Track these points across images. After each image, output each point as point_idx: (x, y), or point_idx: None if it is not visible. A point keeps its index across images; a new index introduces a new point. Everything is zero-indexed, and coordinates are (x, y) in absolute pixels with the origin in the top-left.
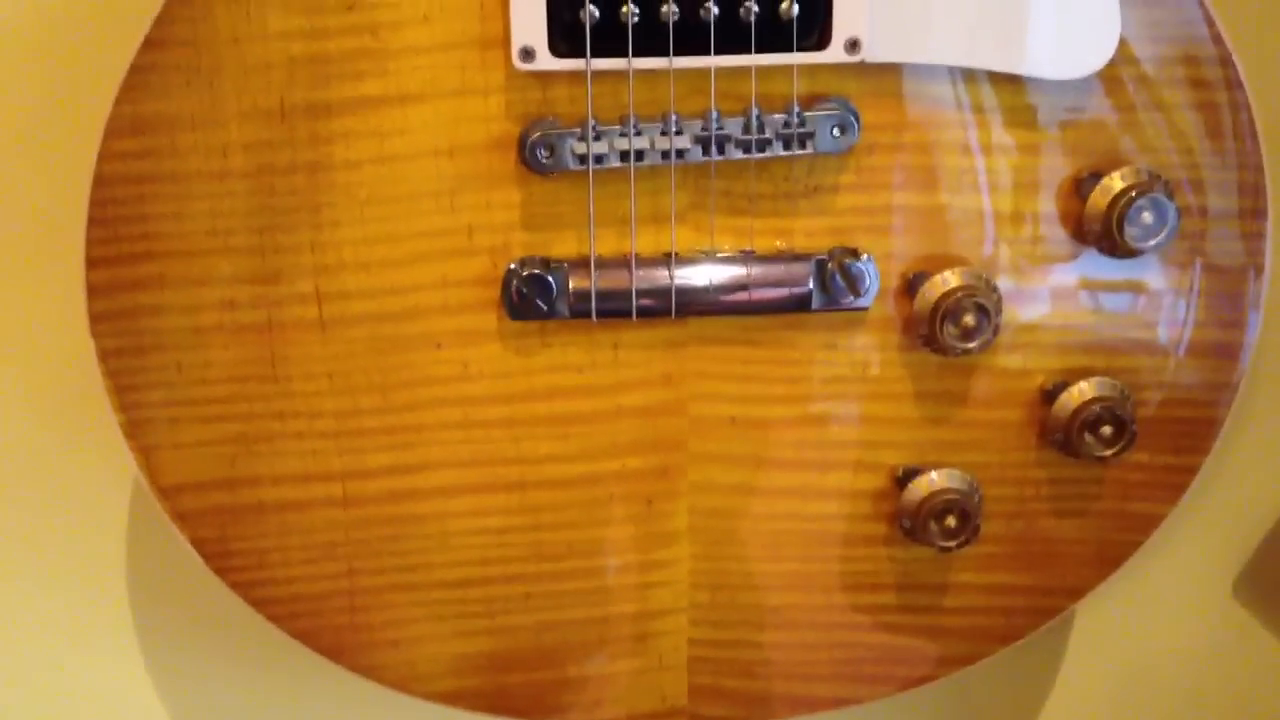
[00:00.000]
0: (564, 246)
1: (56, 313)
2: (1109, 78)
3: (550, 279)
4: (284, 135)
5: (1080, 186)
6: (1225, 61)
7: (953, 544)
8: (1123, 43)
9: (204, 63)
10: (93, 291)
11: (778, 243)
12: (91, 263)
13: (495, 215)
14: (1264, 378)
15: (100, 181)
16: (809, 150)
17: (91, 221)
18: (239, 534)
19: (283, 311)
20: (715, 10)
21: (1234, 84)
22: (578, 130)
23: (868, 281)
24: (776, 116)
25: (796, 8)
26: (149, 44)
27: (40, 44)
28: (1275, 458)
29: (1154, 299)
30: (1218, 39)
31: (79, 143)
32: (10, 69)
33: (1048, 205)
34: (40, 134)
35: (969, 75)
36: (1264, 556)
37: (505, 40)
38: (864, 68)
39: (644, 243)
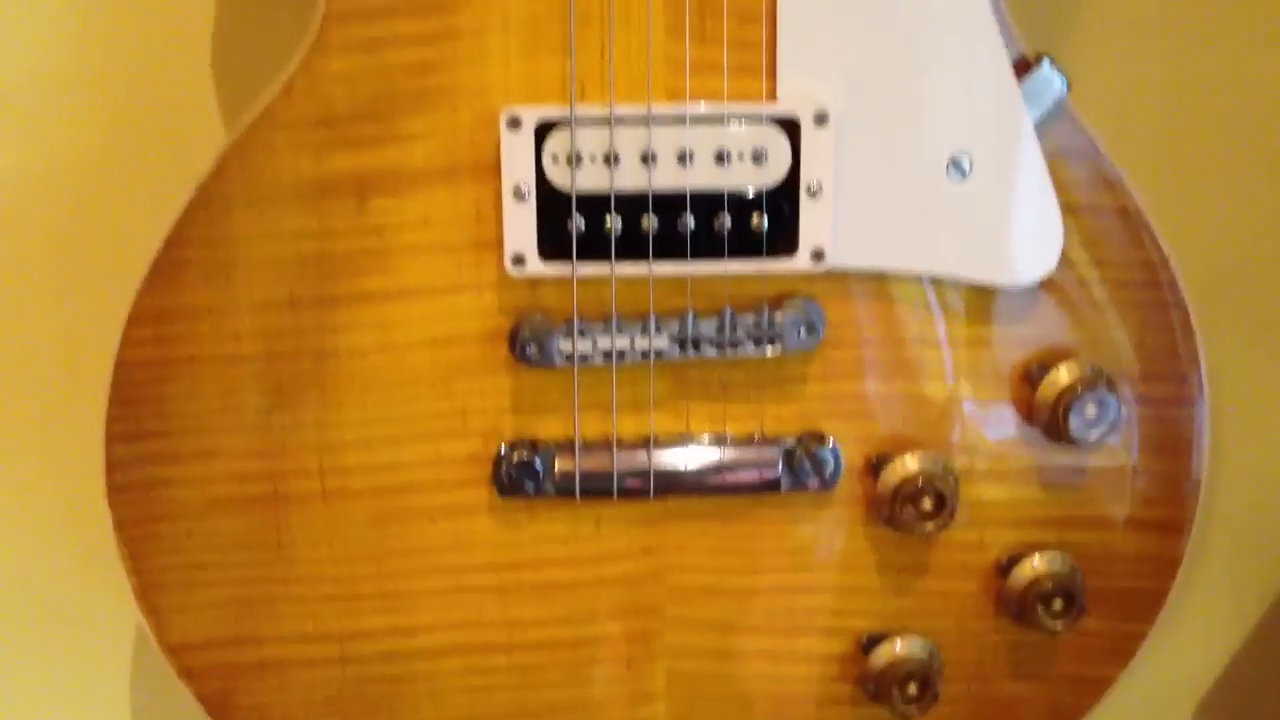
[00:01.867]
0: (551, 428)
1: (69, 461)
2: (1055, 280)
3: (538, 463)
4: (293, 324)
5: (1030, 376)
6: (1162, 265)
7: (913, 709)
8: (1067, 249)
9: (221, 258)
10: (111, 466)
11: (749, 427)
12: (110, 439)
13: (487, 400)
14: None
15: (121, 366)
16: (778, 349)
17: (112, 402)
18: (242, 689)
19: (288, 484)
20: (691, 223)
21: (1170, 284)
22: (564, 328)
23: (832, 468)
24: (748, 318)
25: (766, 222)
26: (171, 242)
27: (59, 238)
28: (1240, 588)
29: (1101, 479)
30: (1155, 244)
31: (94, 332)
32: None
33: (1001, 393)
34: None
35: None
36: (1224, 685)
37: (498, 243)
38: (829, 272)
39: (625, 425)
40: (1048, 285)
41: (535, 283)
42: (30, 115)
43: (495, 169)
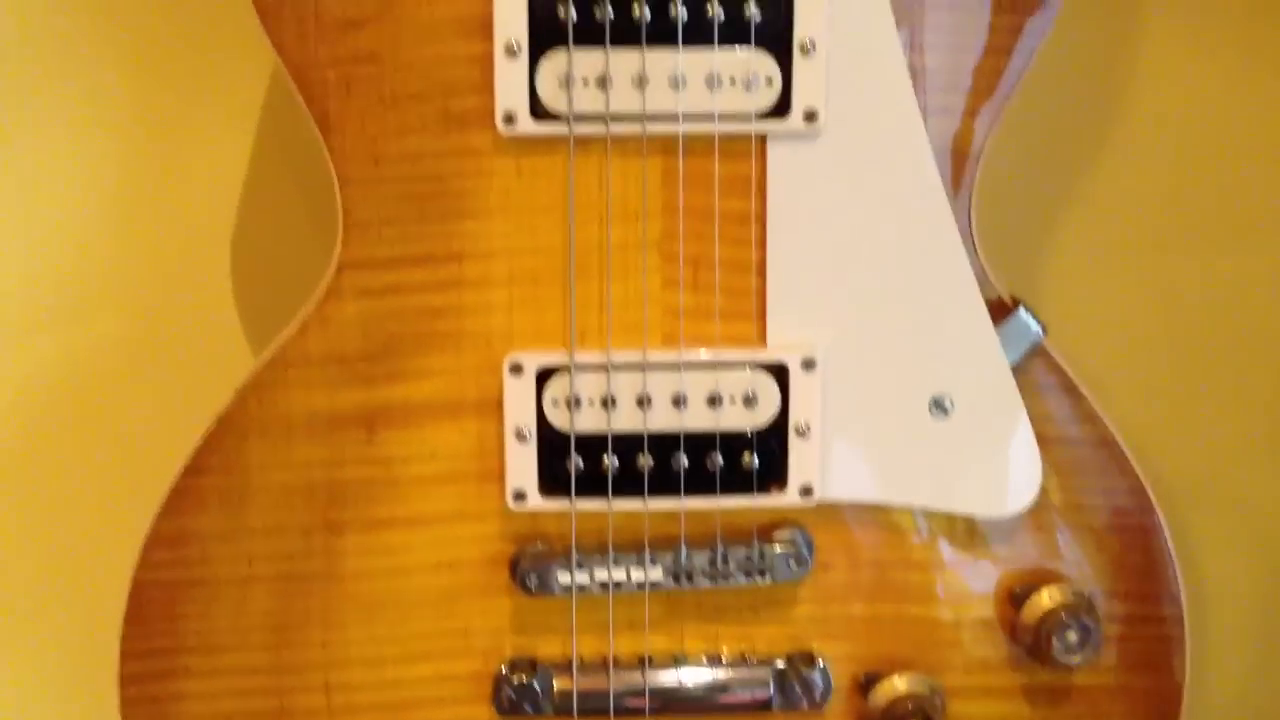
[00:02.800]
0: (550, 648)
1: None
2: (1037, 507)
3: (537, 684)
4: (303, 548)
5: (1014, 598)
6: (1140, 490)
7: None
8: (1047, 479)
9: (236, 485)
10: (124, 681)
11: (741, 647)
12: (125, 656)
13: (489, 621)
14: None
15: (137, 587)
16: (768, 579)
17: (127, 620)
18: None
19: (295, 700)
20: (685, 462)
21: (1148, 508)
22: (563, 560)
23: (822, 689)
24: (739, 551)
25: (756, 460)
26: (189, 470)
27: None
28: None
29: (1086, 695)
30: (1131, 471)
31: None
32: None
33: (987, 613)
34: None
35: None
36: None
37: (500, 474)
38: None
39: (622, 646)
40: (1030, 511)
41: (535, 513)
42: (55, 313)
43: (498, 406)
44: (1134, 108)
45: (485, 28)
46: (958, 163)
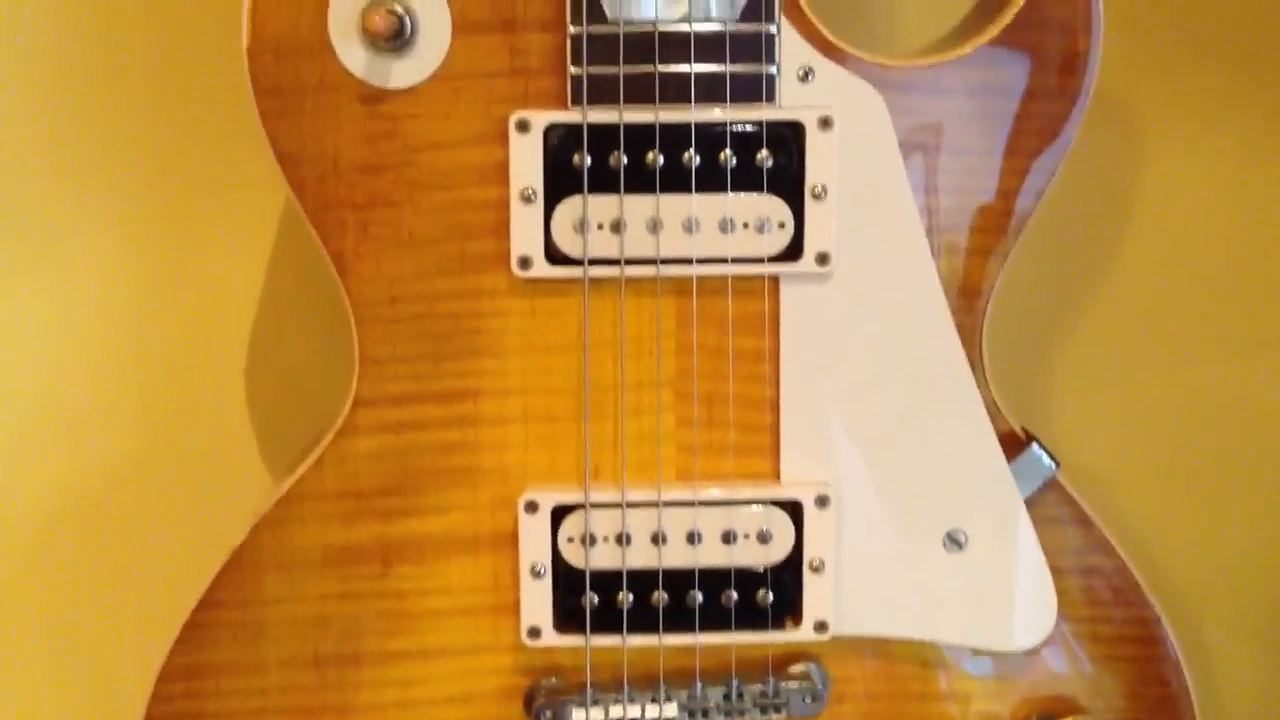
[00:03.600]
0: None
1: None
2: (1054, 639)
3: None
4: (316, 681)
5: None
6: (1154, 621)
7: None
8: (1062, 610)
9: (250, 619)
10: None
11: None
12: None
13: None
14: None
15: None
16: (783, 715)
17: None
18: None
19: None
20: (700, 598)
21: (1161, 638)
22: (578, 697)
23: None
24: (754, 687)
25: (771, 596)
26: (204, 604)
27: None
28: None
29: None
30: (1145, 602)
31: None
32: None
33: None
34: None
35: None
36: None
37: (516, 608)
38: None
39: None
40: (1046, 642)
41: (551, 647)
42: (70, 427)
43: (513, 542)
44: (1137, 218)
45: (501, 174)
46: (969, 300)
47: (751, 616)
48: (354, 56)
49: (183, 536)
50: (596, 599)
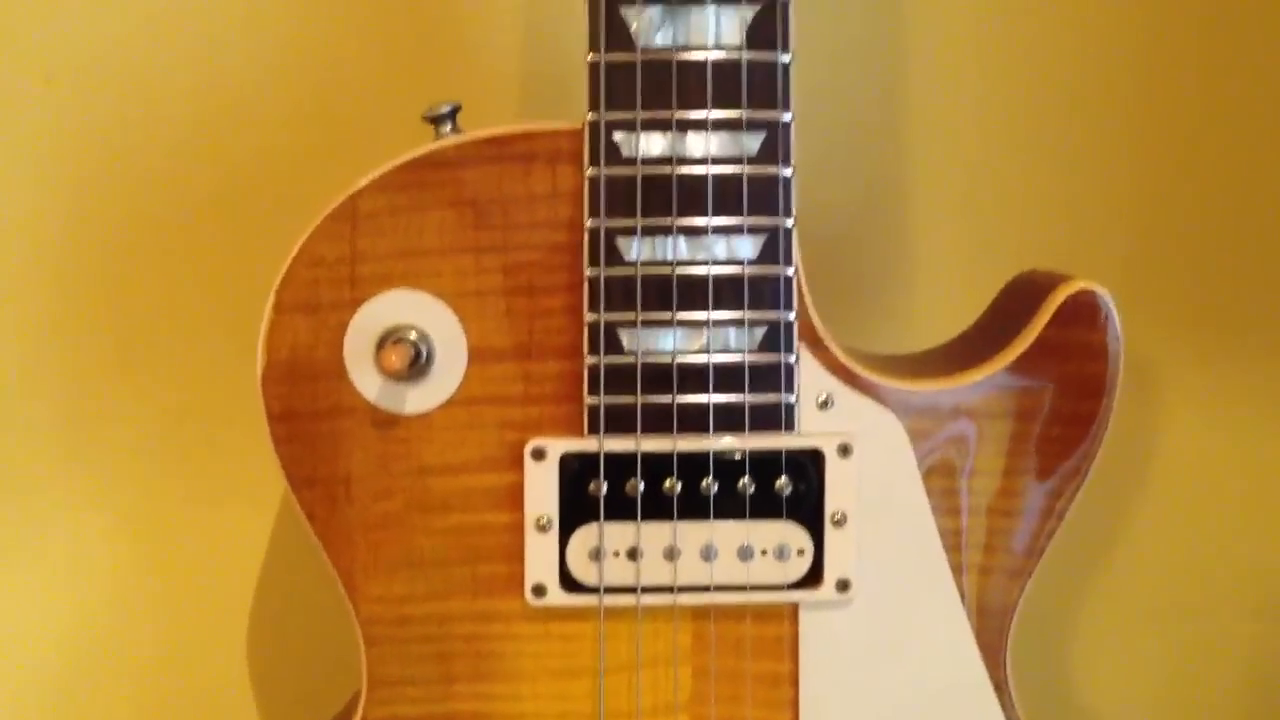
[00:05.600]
0: None
1: None
2: None
3: None
4: None
5: None
6: None
7: None
8: None
9: None
10: None
11: None
12: None
13: None
14: None
15: None
16: None
17: None
18: None
19: None
20: None
21: None
22: None
23: None
24: None
25: None
26: None
27: None
28: None
29: None
30: None
31: None
32: None
33: None
34: None
35: None
36: None
37: None
38: None
39: None
40: None
41: None
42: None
43: None
44: (1153, 481)
45: (515, 498)
46: (993, 620)
47: None
48: (368, 382)
49: None
50: None
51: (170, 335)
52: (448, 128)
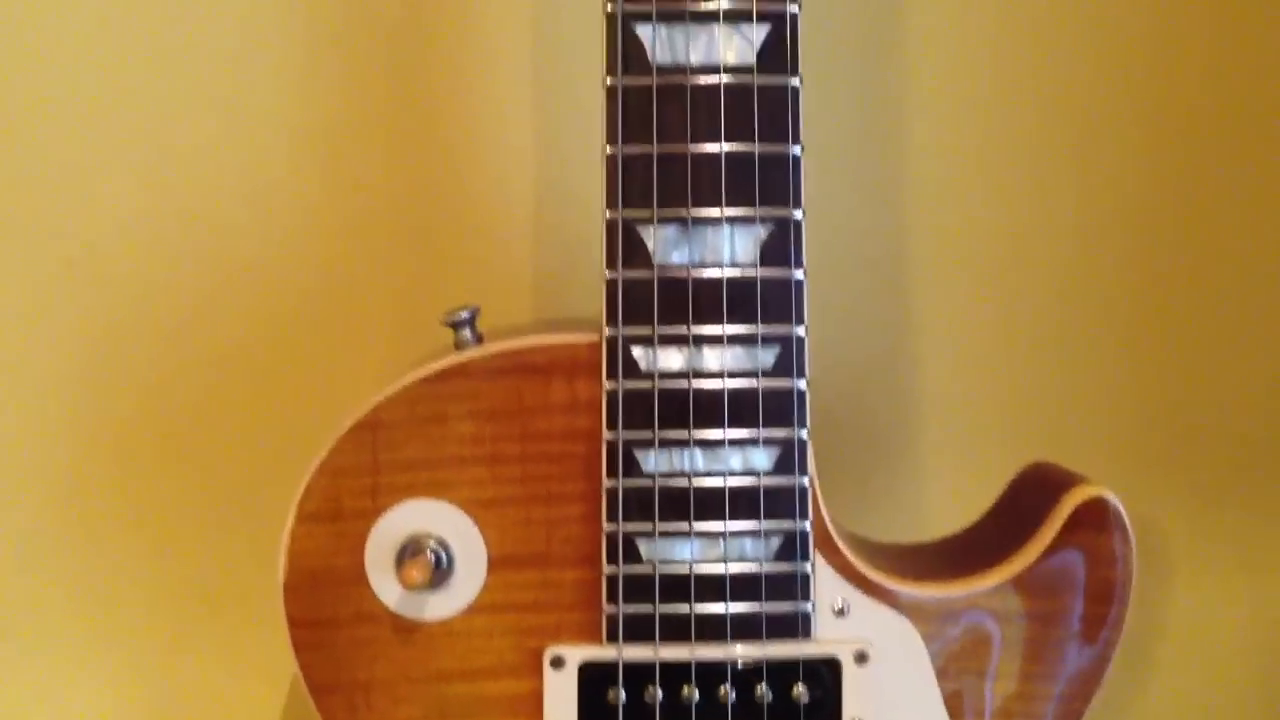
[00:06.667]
0: None
1: None
2: None
3: None
4: None
5: None
6: None
7: None
8: None
9: None
10: None
11: None
12: None
13: None
14: None
15: None
16: None
17: None
18: None
19: None
20: None
21: None
22: None
23: None
24: None
25: None
26: None
27: None
28: None
29: None
30: None
31: None
32: None
33: None
34: None
35: None
36: None
37: None
38: None
39: None
40: None
41: None
42: None
43: None
44: (1166, 622)
45: (534, 704)
46: None
47: None
48: (389, 590)
49: None
50: None
51: (183, 520)
52: (467, 332)
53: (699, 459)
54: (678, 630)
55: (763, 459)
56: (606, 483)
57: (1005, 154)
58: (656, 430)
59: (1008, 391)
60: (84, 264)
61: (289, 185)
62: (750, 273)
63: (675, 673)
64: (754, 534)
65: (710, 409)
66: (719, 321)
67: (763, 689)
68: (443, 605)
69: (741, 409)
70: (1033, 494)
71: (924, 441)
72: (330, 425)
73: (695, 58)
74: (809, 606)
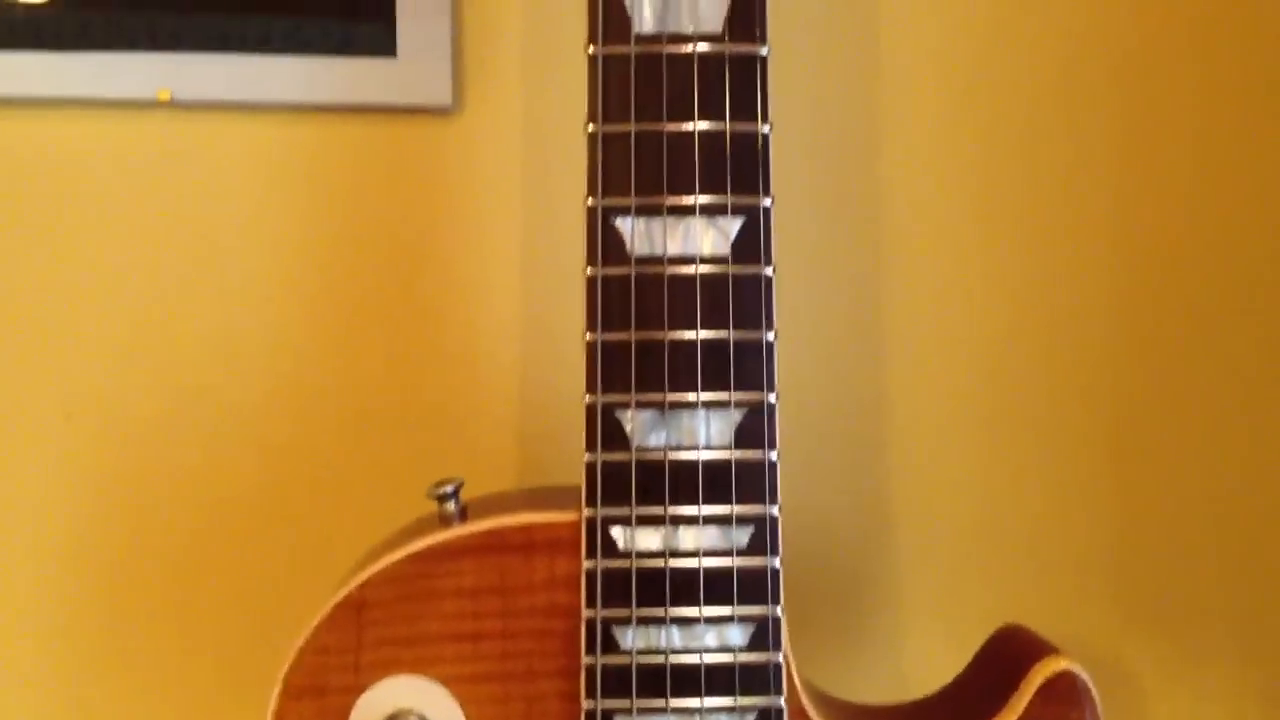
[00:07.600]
0: None
1: None
2: None
3: None
4: None
5: None
6: None
7: None
8: None
9: None
10: None
11: None
12: None
13: None
14: None
15: None
16: None
17: None
18: None
19: None
20: None
21: None
22: None
23: None
24: None
25: None
26: None
27: None
28: None
29: None
30: None
31: None
32: None
33: None
34: None
35: None
36: None
37: None
38: None
39: None
40: None
41: None
42: None
43: None
44: None
45: None
46: None
47: None
48: None
49: None
50: None
51: (169, 687)
52: (451, 505)
53: (675, 636)
54: None
55: (738, 636)
56: (585, 660)
57: (976, 325)
58: (634, 608)
59: (986, 549)
60: (85, 418)
61: (289, 361)
62: (725, 455)
63: None
64: (730, 710)
65: (687, 587)
66: (695, 502)
67: None
68: None
69: (717, 587)
70: (1004, 660)
71: (901, 601)
72: (318, 590)
73: (672, 248)
74: None
